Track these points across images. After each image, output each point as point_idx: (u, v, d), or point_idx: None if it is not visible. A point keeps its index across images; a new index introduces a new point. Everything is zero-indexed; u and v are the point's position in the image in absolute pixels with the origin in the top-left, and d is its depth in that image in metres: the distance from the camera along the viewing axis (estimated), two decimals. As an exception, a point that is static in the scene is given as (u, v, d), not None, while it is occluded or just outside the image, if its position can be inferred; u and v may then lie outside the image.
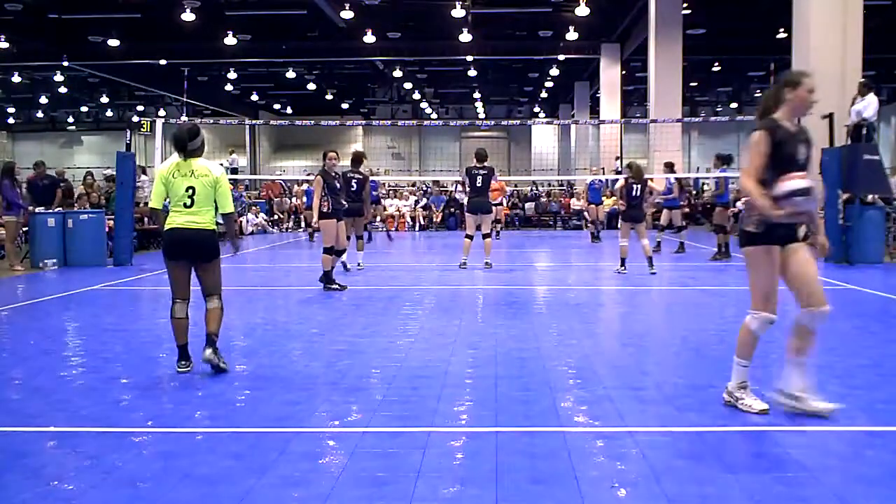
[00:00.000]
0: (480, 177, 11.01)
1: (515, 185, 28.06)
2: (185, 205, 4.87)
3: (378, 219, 20.78)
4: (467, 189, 11.23)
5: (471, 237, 11.28)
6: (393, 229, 20.59)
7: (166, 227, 4.94)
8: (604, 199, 17.50)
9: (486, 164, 11.11)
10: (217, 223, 5.04)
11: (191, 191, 4.87)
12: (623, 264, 10.49)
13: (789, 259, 3.91)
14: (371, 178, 12.26)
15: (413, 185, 27.24)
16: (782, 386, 3.97)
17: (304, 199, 20.08)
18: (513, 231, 20.88)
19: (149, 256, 13.73)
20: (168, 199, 4.99)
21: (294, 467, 3.29)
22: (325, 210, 9.04)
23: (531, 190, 27.98)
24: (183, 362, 4.97)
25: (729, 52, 29.25)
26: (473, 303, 8.15)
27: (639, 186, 10.51)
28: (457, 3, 21.72)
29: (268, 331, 6.42)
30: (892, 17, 22.88)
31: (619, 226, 11.31)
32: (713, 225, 12.70)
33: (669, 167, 14.64)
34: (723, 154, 13.55)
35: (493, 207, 19.23)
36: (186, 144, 4.91)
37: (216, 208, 5.00)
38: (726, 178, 12.67)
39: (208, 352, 4.84)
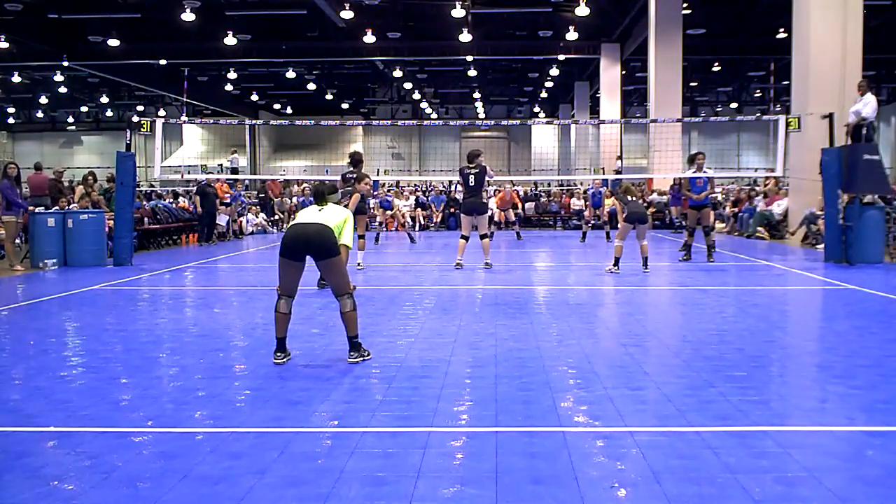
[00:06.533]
0: (473, 176, 10.99)
1: (513, 184, 27.96)
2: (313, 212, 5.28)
3: (378, 220, 20.75)
4: (461, 189, 11.26)
5: (466, 238, 11.28)
6: (393, 230, 20.55)
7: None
8: (605, 200, 17.45)
9: (478, 162, 11.02)
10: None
11: (322, 209, 5.29)
12: (616, 264, 10.52)
13: None
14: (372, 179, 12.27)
15: (414, 186, 27.23)
16: None
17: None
18: (525, 231, 20.14)
19: (149, 256, 13.73)
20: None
21: (294, 467, 3.29)
22: None
23: (531, 190, 27.96)
24: (279, 353, 5.21)
25: (729, 52, 29.31)
26: (473, 303, 8.14)
27: (633, 197, 10.62)
28: (457, 3, 21.74)
29: (268, 331, 6.40)
30: (892, 17, 22.90)
31: (618, 226, 11.30)
32: (702, 226, 12.27)
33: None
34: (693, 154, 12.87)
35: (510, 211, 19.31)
36: (326, 197, 5.40)
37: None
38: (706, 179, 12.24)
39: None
